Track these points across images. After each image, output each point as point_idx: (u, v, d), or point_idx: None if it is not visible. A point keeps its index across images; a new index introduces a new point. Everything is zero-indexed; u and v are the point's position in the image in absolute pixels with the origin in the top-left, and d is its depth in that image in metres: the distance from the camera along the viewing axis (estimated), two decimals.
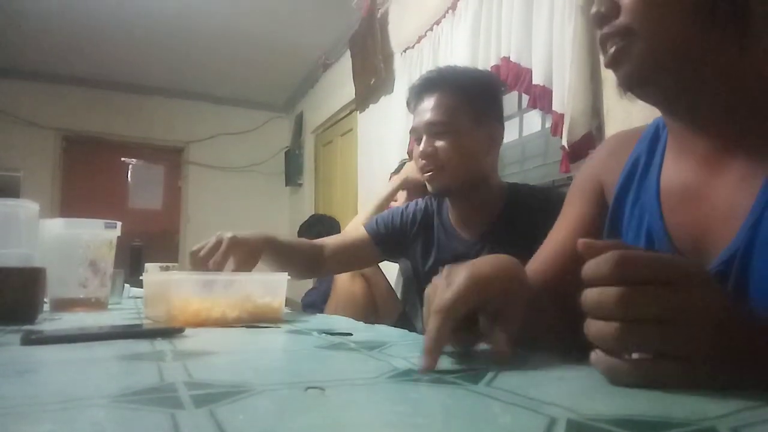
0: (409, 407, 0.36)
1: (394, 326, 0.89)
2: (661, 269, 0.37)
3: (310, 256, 1.29)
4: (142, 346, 0.63)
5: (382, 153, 3.29)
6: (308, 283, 2.57)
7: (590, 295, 0.39)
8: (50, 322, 0.94)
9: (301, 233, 2.75)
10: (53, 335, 0.66)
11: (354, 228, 2.24)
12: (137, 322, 0.94)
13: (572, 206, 0.76)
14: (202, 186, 4.99)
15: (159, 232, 4.58)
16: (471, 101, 1.15)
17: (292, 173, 5.08)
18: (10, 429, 0.32)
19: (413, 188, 2.31)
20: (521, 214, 1.14)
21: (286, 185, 5.19)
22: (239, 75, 4.55)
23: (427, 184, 1.18)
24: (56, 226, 1.15)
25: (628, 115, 1.63)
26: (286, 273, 0.97)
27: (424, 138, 1.15)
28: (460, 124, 1.13)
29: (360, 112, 3.83)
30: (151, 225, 4.53)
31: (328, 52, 4.15)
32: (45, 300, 1.01)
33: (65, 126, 4.50)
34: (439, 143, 1.13)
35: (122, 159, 4.79)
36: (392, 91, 3.27)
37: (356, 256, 1.35)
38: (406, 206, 1.35)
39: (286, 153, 5.20)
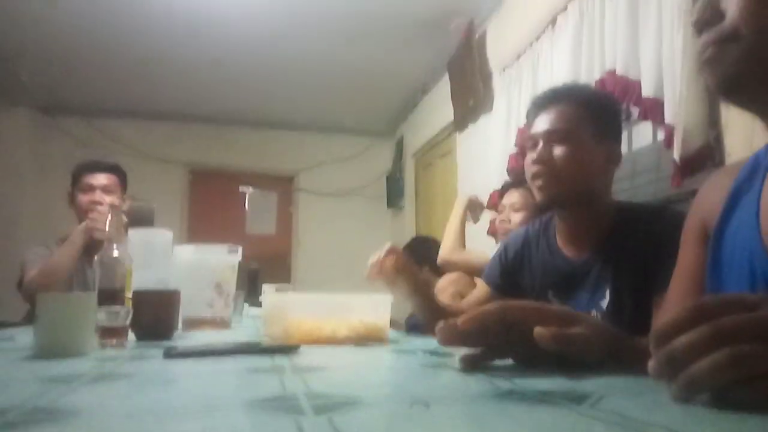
0: (511, 424, 0.38)
1: None
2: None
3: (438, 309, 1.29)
4: (264, 361, 0.69)
5: (482, 172, 3.28)
6: None
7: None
8: (183, 339, 1.05)
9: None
10: (190, 350, 0.74)
11: (444, 260, 2.29)
12: (257, 339, 1.02)
13: (684, 252, 0.75)
14: (311, 211, 5.26)
15: (273, 256, 4.86)
16: (594, 117, 1.12)
17: (394, 196, 5.19)
18: (165, 428, 0.38)
19: (477, 207, 2.37)
20: (632, 234, 1.08)
21: (388, 208, 5.32)
22: (342, 104, 4.77)
23: (536, 193, 1.14)
24: (187, 252, 1.28)
25: (749, 124, 1.51)
26: (392, 296, 1.02)
27: (541, 145, 1.11)
28: (582, 137, 1.10)
29: (459, 133, 3.85)
30: (266, 249, 4.83)
31: (427, 76, 4.24)
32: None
33: (191, 160, 4.97)
34: (557, 151, 1.10)
35: (240, 188, 5.17)
36: (491, 110, 3.26)
37: None
38: (506, 242, 1.33)
39: (387, 177, 5.34)
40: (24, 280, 1.83)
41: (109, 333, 0.87)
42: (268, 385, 0.52)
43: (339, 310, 0.98)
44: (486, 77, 3.32)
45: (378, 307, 1.01)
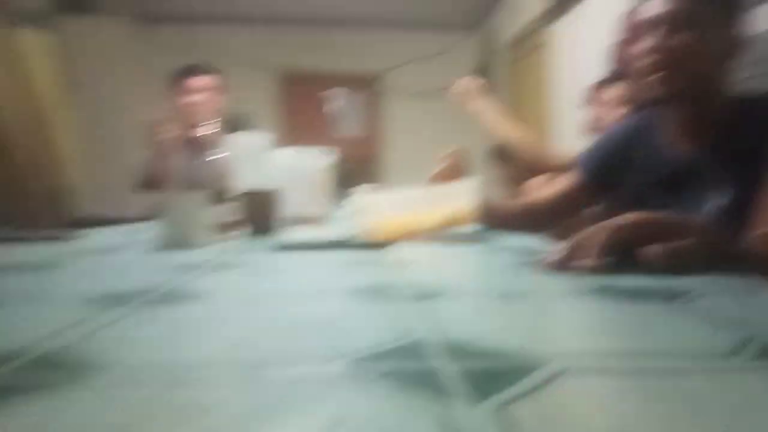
0: (602, 317, 0.39)
1: None
2: None
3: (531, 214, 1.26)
4: (360, 254, 0.74)
5: (583, 64, 3.04)
6: None
7: None
8: (285, 234, 1.13)
9: (494, 155, 2.73)
10: (293, 244, 0.81)
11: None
12: (351, 236, 1.08)
13: None
14: (399, 112, 5.22)
15: (361, 157, 4.96)
16: None
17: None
18: (287, 310, 0.44)
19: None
20: (753, 127, 0.97)
21: None
22: None
23: (652, 87, 0.98)
24: (286, 154, 1.35)
25: None
26: (478, 181, 1.02)
27: (661, 30, 0.95)
28: (708, 17, 0.98)
29: (557, 21, 3.56)
30: (355, 151, 4.92)
31: None
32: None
33: (281, 65, 5.02)
34: (678, 37, 0.94)
35: (325, 92, 5.20)
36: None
37: (568, 208, 1.25)
38: (608, 133, 1.21)
39: (474, 73, 5.11)
40: (139, 182, 2.03)
41: (222, 228, 0.96)
42: (367, 275, 0.57)
43: (423, 202, 1.01)
44: None
45: (463, 191, 1.03)
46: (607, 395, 0.24)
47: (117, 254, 0.81)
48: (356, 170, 2.46)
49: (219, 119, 2.04)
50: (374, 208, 1.01)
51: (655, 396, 0.24)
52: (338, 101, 5.24)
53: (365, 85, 5.28)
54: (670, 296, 0.45)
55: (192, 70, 2.07)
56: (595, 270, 0.56)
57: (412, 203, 1.01)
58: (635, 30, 1.02)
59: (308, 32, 5.00)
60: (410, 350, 0.30)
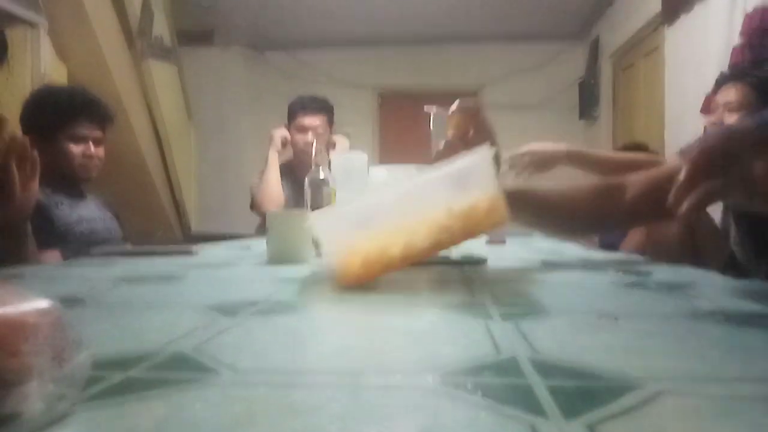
0: (706, 344, 0.37)
1: (723, 273, 0.76)
2: None
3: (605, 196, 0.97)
4: (452, 271, 0.75)
5: (696, 71, 2.84)
6: None
7: None
8: None
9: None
10: None
11: None
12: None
13: None
14: (497, 125, 5.14)
15: None
16: None
17: (587, 105, 4.79)
18: (382, 321, 0.46)
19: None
20: None
21: (581, 119, 4.94)
22: (528, 7, 4.45)
23: None
24: (380, 173, 1.39)
25: None
26: (487, 150, 0.62)
27: None
28: None
29: (668, 27, 3.35)
30: None
31: None
32: None
33: (379, 84, 5.17)
34: None
35: (424, 107, 5.27)
36: None
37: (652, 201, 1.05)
38: (727, 128, 1.07)
39: (579, 84, 4.92)
40: (252, 203, 2.17)
41: None
42: (458, 293, 0.57)
43: (408, 208, 0.61)
44: None
45: (473, 175, 0.61)
46: (703, 420, 0.23)
47: (231, 268, 0.88)
48: None
49: (324, 142, 2.14)
50: (331, 234, 0.61)
51: (751, 425, 0.23)
52: (436, 117, 5.27)
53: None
54: None
55: (307, 107, 2.17)
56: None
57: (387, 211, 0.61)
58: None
59: (406, 51, 5.10)
60: (501, 367, 0.31)
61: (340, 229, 0.61)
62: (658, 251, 1.41)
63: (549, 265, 0.89)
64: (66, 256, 1.44)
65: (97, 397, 0.26)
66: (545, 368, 0.30)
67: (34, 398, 0.23)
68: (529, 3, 4.37)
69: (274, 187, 2.11)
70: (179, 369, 0.31)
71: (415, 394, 0.27)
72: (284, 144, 2.16)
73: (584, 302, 0.55)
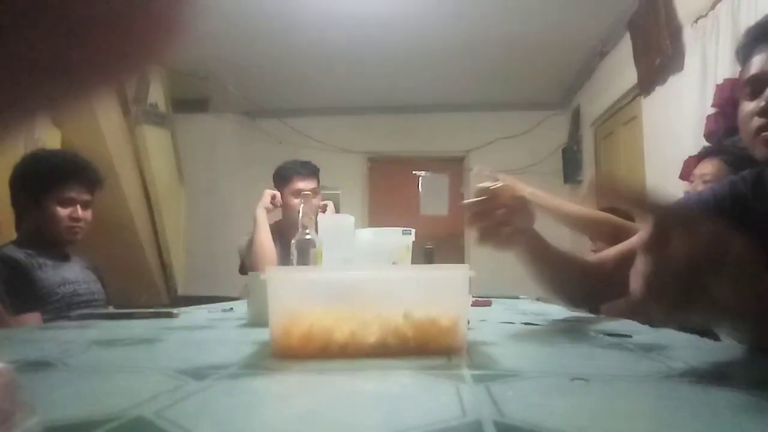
0: (678, 405, 0.37)
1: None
2: None
3: (590, 272, 1.00)
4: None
5: (672, 139, 2.94)
6: None
7: None
8: None
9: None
10: None
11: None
12: None
13: None
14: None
15: (446, 236, 4.97)
16: None
17: (571, 170, 4.91)
18: (354, 384, 0.45)
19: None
20: None
21: (565, 183, 5.05)
22: (511, 79, 4.65)
23: (762, 149, 0.87)
24: (367, 234, 1.40)
25: None
26: (468, 270, 0.60)
27: None
28: None
29: (644, 97, 3.49)
30: (440, 230, 4.95)
31: (604, 39, 3.91)
32: None
33: (369, 149, 5.29)
34: None
35: (413, 172, 5.36)
36: (682, 69, 2.90)
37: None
38: (712, 189, 1.07)
39: (563, 150, 5.07)
40: (241, 265, 2.15)
41: None
42: (436, 359, 0.57)
43: (371, 295, 0.59)
44: (674, 32, 2.95)
45: (443, 289, 0.59)
46: None
47: (210, 330, 0.87)
48: (440, 250, 2.49)
49: (311, 204, 2.15)
50: (275, 293, 0.59)
51: None
52: (424, 182, 5.37)
53: (451, 165, 5.40)
54: (762, 382, 0.41)
55: (301, 172, 2.20)
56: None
57: (340, 290, 0.59)
58: (738, 91, 0.93)
59: (396, 118, 5.26)
60: (466, 430, 0.30)
61: (291, 292, 0.58)
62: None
63: (530, 328, 0.89)
64: (46, 319, 1.41)
65: None
66: (507, 431, 0.30)
67: None
68: (513, 74, 4.56)
69: (266, 246, 2.08)
70: None
71: None
72: (275, 205, 2.16)
73: (559, 364, 0.55)
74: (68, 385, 0.45)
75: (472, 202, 0.88)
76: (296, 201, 2.12)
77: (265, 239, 2.08)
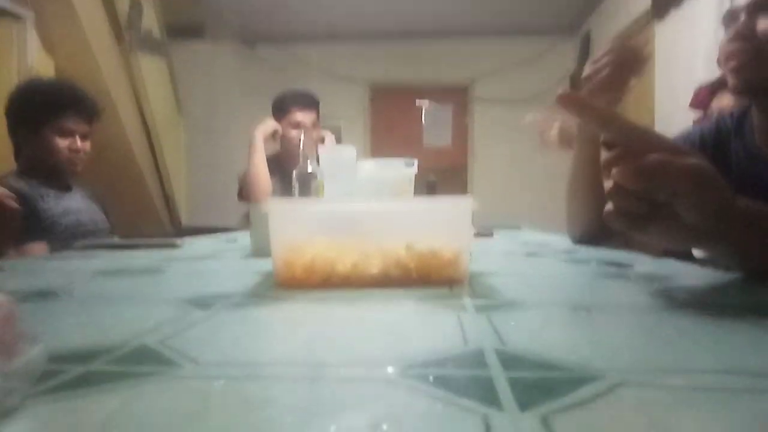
0: (679, 336, 0.37)
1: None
2: None
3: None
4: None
5: (685, 66, 2.85)
6: None
7: None
8: None
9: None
10: None
11: None
12: None
13: None
14: (488, 121, 5.15)
15: (449, 168, 4.95)
16: None
17: None
18: (356, 313, 0.45)
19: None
20: None
21: None
22: (519, 3, 4.45)
23: (730, 77, 0.87)
24: (368, 166, 1.38)
25: None
26: (471, 202, 0.57)
27: (742, 18, 0.85)
28: None
29: (658, 22, 3.36)
30: (443, 161, 4.92)
31: None
32: None
33: (371, 77, 5.15)
34: (763, 24, 0.83)
35: (416, 102, 5.25)
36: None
37: None
38: (701, 126, 1.07)
39: (571, 78, 4.93)
40: (240, 192, 2.15)
41: None
42: (437, 289, 0.57)
43: (373, 227, 0.58)
44: None
45: (446, 221, 0.59)
46: (657, 411, 0.23)
47: (213, 261, 0.88)
48: (443, 181, 2.48)
49: (312, 135, 2.11)
50: (282, 227, 0.58)
51: (708, 415, 0.23)
52: (427, 112, 5.28)
53: (454, 94, 5.28)
54: (756, 311, 0.41)
55: (300, 102, 2.13)
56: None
57: (345, 223, 0.58)
58: (727, 19, 0.91)
59: (398, 45, 5.08)
60: (466, 359, 0.31)
61: (293, 224, 0.58)
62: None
63: (532, 258, 0.89)
64: (51, 249, 1.43)
65: (51, 391, 0.26)
66: (509, 360, 0.30)
67: None
68: None
69: (261, 174, 2.06)
70: (141, 363, 0.31)
71: (373, 386, 0.26)
72: (274, 136, 2.13)
73: (561, 295, 0.55)
74: (72, 315, 0.45)
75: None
76: (295, 132, 2.09)
77: (261, 165, 2.05)
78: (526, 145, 4.74)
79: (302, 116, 2.11)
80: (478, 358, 0.30)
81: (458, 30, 4.95)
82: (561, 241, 1.23)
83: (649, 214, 0.47)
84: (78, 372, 0.29)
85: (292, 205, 0.66)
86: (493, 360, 0.30)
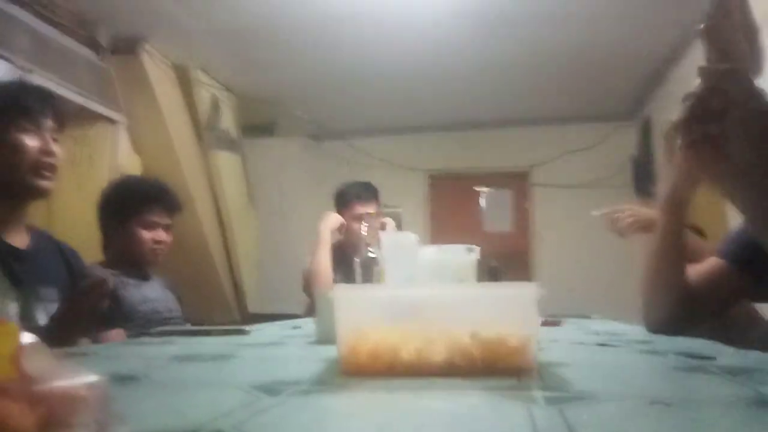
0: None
1: None
2: None
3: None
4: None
5: None
6: None
7: None
8: None
9: None
10: None
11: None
12: None
13: None
14: (549, 206, 5.10)
15: (511, 253, 4.87)
16: None
17: (642, 183, 4.69)
18: (422, 403, 0.45)
19: None
20: None
21: (636, 197, 4.83)
22: (575, 91, 4.53)
23: None
24: (430, 252, 1.39)
25: None
26: (537, 288, 0.57)
27: None
28: None
29: None
30: (504, 247, 4.85)
31: (675, 43, 3.74)
32: None
33: (430, 167, 5.30)
34: None
35: (475, 188, 5.31)
36: (760, 72, 2.73)
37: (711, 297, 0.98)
38: None
39: (632, 163, 4.86)
40: (304, 284, 2.21)
41: None
42: (504, 378, 0.56)
43: (437, 313, 0.58)
44: (751, 34, 2.79)
45: (512, 307, 0.58)
46: None
47: (280, 347, 0.89)
48: (505, 267, 2.45)
49: (374, 224, 2.17)
50: (338, 309, 0.59)
51: None
52: (487, 198, 5.31)
53: (514, 181, 5.31)
54: None
55: (362, 196, 2.23)
56: None
57: (405, 308, 0.59)
58: None
59: (455, 134, 5.24)
60: None
61: (357, 310, 0.59)
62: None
63: (604, 348, 0.85)
64: (129, 335, 1.50)
65: None
66: None
67: None
68: (577, 86, 4.45)
69: (324, 267, 2.13)
70: None
71: None
72: (339, 229, 2.21)
73: (638, 387, 0.52)
74: (152, 398, 0.48)
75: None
76: (356, 225, 2.16)
77: (324, 259, 2.12)
78: (591, 230, 4.63)
79: (363, 209, 2.19)
80: None
81: (515, 119, 5.06)
82: (635, 330, 1.17)
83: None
84: None
85: (355, 291, 0.67)
86: None
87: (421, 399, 0.47)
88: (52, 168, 1.21)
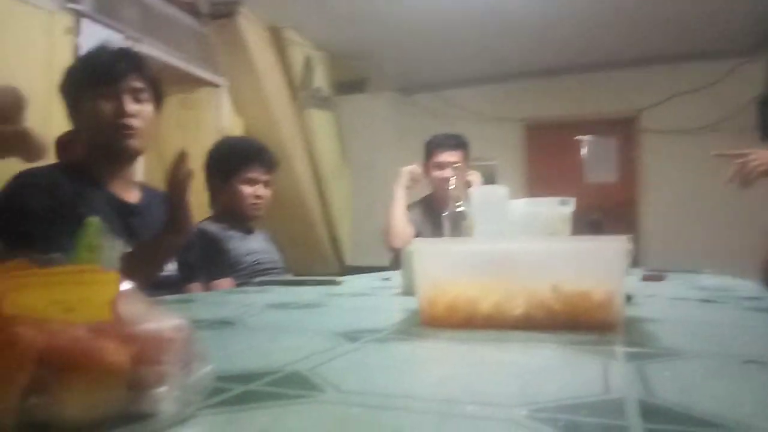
0: None
1: None
2: None
3: None
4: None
5: None
6: None
7: None
8: None
9: None
10: None
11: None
12: None
13: None
14: (659, 153, 4.71)
15: (616, 205, 4.60)
16: None
17: None
18: (494, 354, 0.45)
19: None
20: None
21: (763, 140, 4.33)
22: (690, 25, 4.07)
23: None
24: (520, 205, 1.35)
25: None
26: (625, 241, 0.55)
27: None
28: None
29: None
30: (608, 198, 4.60)
31: None
32: None
33: (525, 116, 5.07)
34: None
35: (576, 137, 5.03)
36: None
37: None
38: None
39: (759, 102, 4.33)
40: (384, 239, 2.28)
41: None
42: (587, 332, 0.54)
43: (518, 267, 0.57)
44: None
45: (596, 262, 0.56)
46: None
47: (368, 297, 0.93)
48: (610, 220, 2.31)
49: (463, 176, 2.15)
50: (420, 264, 0.61)
51: None
52: (589, 146, 5.02)
53: (618, 127, 4.95)
54: None
55: (443, 144, 2.23)
56: None
57: (488, 262, 0.58)
58: None
59: (553, 81, 4.95)
60: (603, 407, 0.29)
61: (437, 264, 0.59)
62: None
63: (707, 305, 0.79)
64: (237, 284, 1.62)
65: (217, 405, 0.30)
66: (651, 412, 0.28)
67: (166, 401, 0.28)
68: (690, 18, 4.00)
69: (400, 223, 2.19)
70: (292, 386, 0.34)
71: (498, 426, 0.26)
72: (415, 180, 2.24)
73: (731, 346, 0.48)
74: (242, 342, 0.52)
75: None
76: (438, 173, 2.17)
77: (398, 214, 2.21)
78: (705, 180, 4.24)
79: (445, 157, 2.18)
80: (616, 407, 0.29)
81: (619, 59, 4.67)
82: (746, 286, 1.08)
83: None
84: (239, 391, 0.33)
85: (434, 246, 0.68)
86: (633, 410, 0.28)
87: (494, 351, 0.47)
88: (129, 128, 1.19)
